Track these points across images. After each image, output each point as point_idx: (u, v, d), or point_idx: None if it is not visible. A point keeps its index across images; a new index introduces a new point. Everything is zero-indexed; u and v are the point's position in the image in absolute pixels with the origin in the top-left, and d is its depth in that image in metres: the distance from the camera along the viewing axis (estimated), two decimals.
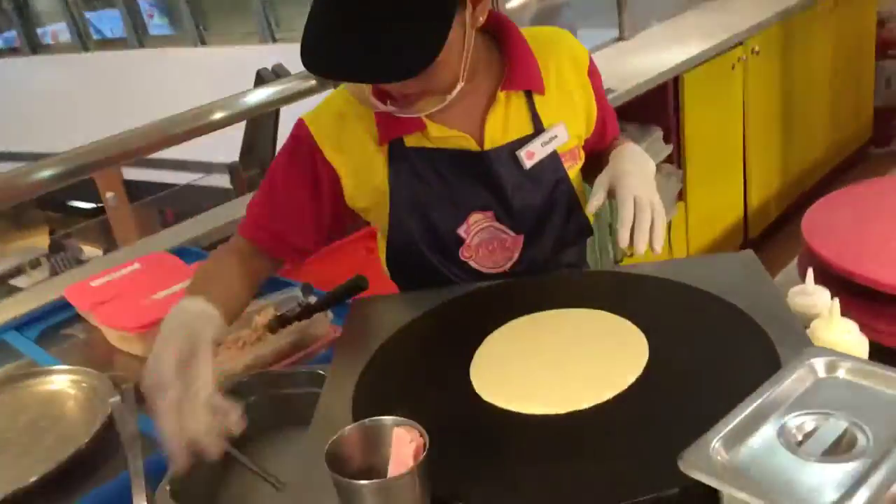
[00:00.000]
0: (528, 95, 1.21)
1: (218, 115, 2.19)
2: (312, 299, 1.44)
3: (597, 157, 1.30)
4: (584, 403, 0.78)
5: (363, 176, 1.21)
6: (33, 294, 1.82)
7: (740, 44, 3.22)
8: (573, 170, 1.26)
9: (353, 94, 1.20)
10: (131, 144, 2.07)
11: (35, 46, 10.45)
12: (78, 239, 8.51)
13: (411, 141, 1.18)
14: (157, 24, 10.20)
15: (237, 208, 2.15)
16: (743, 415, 0.63)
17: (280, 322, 1.40)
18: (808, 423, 0.64)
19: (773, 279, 1.10)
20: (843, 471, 0.59)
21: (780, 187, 3.66)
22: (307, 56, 1.02)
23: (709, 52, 3.05)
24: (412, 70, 0.97)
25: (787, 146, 3.67)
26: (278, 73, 2.32)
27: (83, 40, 10.03)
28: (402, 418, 0.64)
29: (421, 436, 0.62)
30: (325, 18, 1.01)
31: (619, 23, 3.40)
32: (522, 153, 1.20)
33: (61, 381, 1.36)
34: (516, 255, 1.24)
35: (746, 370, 0.77)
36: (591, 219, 1.27)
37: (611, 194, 1.14)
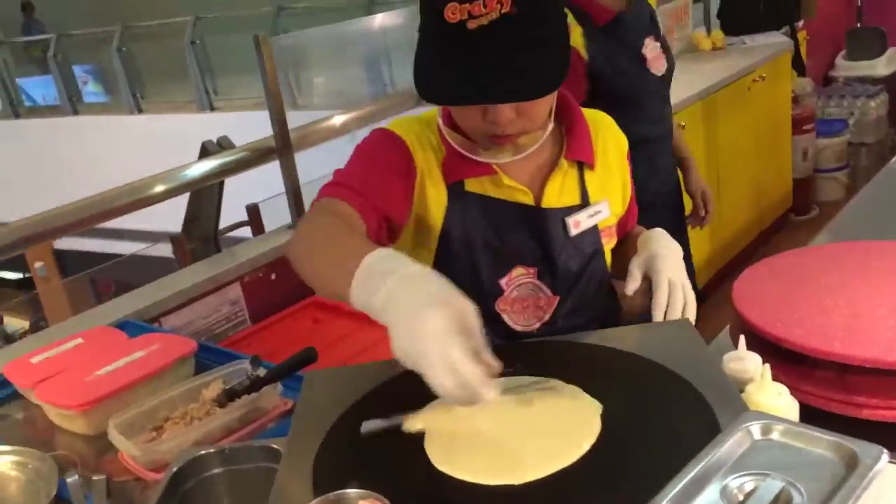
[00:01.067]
0: (580, 167, 1.29)
1: (160, 188, 2.17)
2: (262, 371, 1.44)
3: (621, 242, 1.38)
4: (539, 472, 0.81)
5: (424, 199, 1.24)
6: None
7: None
8: (608, 246, 1.33)
9: (454, 126, 1.23)
10: (68, 219, 2.01)
11: None
12: (3, 310, 8.19)
13: (472, 186, 1.24)
14: (91, 91, 10.13)
15: (183, 279, 2.14)
16: (687, 478, 0.68)
17: (229, 396, 1.39)
18: (748, 483, 0.68)
19: (708, 345, 1.16)
20: None
21: (709, 254, 3.81)
22: (437, 90, 1.11)
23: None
24: (547, 89, 1.10)
25: (715, 215, 3.84)
26: (223, 145, 2.35)
27: (14, 107, 9.87)
28: (366, 490, 0.66)
29: None
30: (450, 54, 1.08)
31: None
32: (570, 220, 1.26)
33: (2, 463, 1.31)
34: (547, 317, 1.29)
35: (691, 435, 0.81)
36: (625, 300, 1.34)
37: (645, 277, 1.22)
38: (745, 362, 1.06)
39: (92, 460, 1.39)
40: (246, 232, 2.61)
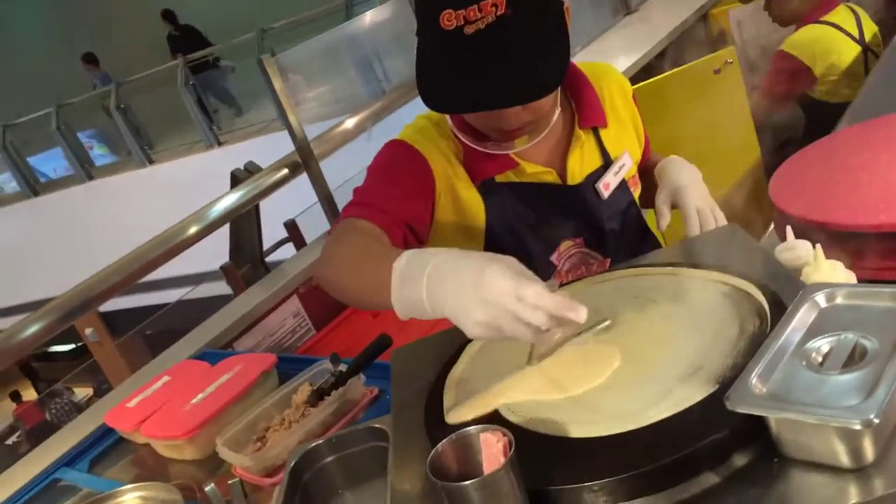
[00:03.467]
0: (595, 130, 1.32)
1: (194, 229, 2.19)
2: (343, 367, 1.52)
3: (642, 176, 1.40)
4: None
5: (453, 203, 1.26)
6: (71, 430, 1.88)
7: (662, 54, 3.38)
8: (636, 193, 1.37)
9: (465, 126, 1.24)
10: (112, 280, 2.03)
11: None
12: (65, 382, 8.39)
13: (501, 177, 1.27)
14: (98, 153, 10.30)
15: (243, 304, 2.23)
16: (770, 351, 0.74)
17: (318, 395, 1.47)
18: (824, 345, 0.74)
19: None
20: (861, 377, 0.69)
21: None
22: (442, 99, 1.10)
23: (638, 63, 3.22)
24: (551, 86, 1.09)
25: None
26: (250, 170, 2.43)
27: (31, 186, 10.06)
28: (486, 424, 0.73)
29: (505, 435, 0.71)
30: (450, 61, 1.08)
31: None
32: (600, 185, 1.29)
33: (130, 500, 1.41)
34: None
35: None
36: (661, 236, 1.38)
37: (673, 207, 1.25)
38: (797, 250, 1.10)
39: (206, 481, 1.47)
40: (289, 249, 2.69)
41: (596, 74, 1.36)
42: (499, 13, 1.03)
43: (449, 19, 1.04)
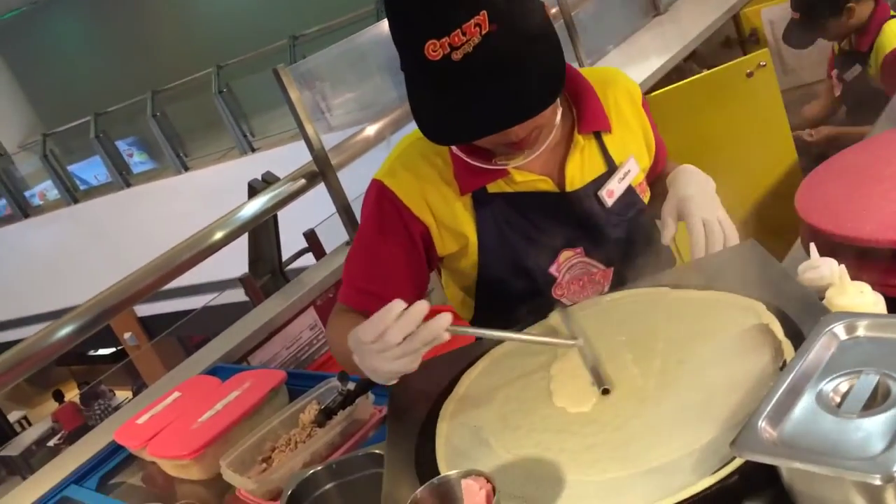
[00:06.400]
0: (597, 135, 1.27)
1: (219, 235, 2.20)
2: (351, 386, 1.48)
3: (654, 184, 1.36)
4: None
5: (449, 225, 1.25)
6: (82, 446, 1.86)
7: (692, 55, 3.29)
8: (646, 200, 1.32)
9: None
10: (141, 283, 2.07)
11: (26, 210, 10.70)
12: (107, 385, 8.57)
13: (493, 187, 1.23)
14: (137, 161, 10.46)
15: (260, 316, 2.20)
16: (780, 391, 0.67)
17: (326, 415, 1.43)
18: (842, 384, 0.67)
19: (782, 262, 1.14)
20: (884, 420, 0.62)
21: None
22: (445, 132, 1.08)
23: (667, 65, 3.14)
24: (551, 97, 1.05)
25: None
26: (267, 180, 2.40)
27: (71, 193, 10.24)
28: (468, 469, 0.68)
29: (489, 482, 0.66)
30: (445, 92, 1.04)
31: (576, 54, 3.50)
32: (603, 193, 1.24)
33: None
34: (607, 288, 1.29)
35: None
36: (671, 247, 1.32)
37: (679, 218, 1.18)
38: (821, 269, 1.03)
39: (214, 501, 1.44)
40: (309, 258, 2.67)
41: (601, 79, 1.31)
42: (483, 32, 0.98)
43: (434, 49, 0.99)
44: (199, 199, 7.80)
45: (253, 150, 8.63)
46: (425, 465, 0.83)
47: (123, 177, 9.82)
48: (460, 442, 0.85)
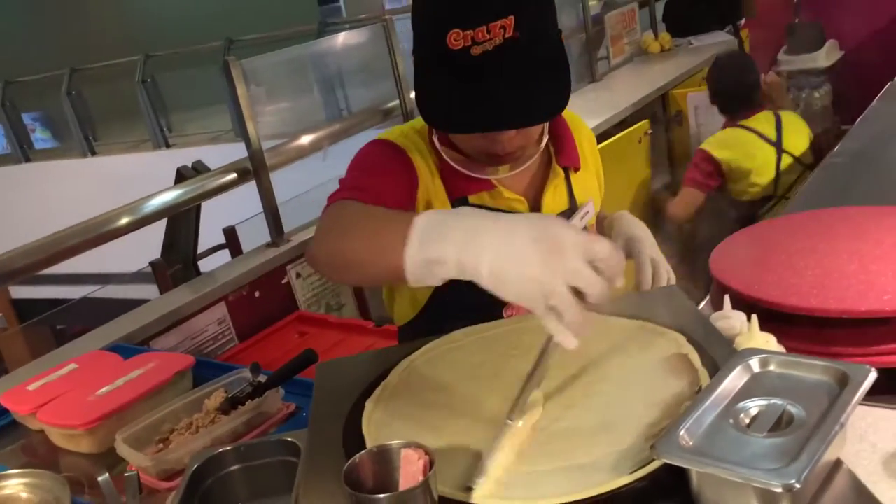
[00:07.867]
0: (566, 172, 1.32)
1: (125, 220, 2.11)
2: (262, 378, 1.47)
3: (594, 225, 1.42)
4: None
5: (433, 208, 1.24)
6: None
7: (624, 122, 3.51)
8: None
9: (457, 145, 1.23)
10: (20, 262, 1.90)
11: None
12: None
13: (475, 199, 1.25)
14: (39, 137, 10.00)
15: (168, 302, 2.16)
16: (699, 408, 0.74)
17: (232, 403, 1.42)
18: (753, 408, 0.75)
19: None
20: (786, 442, 0.69)
21: None
22: (447, 119, 1.11)
23: (599, 128, 3.29)
24: (556, 110, 1.10)
25: None
26: (198, 169, 2.38)
27: None
28: (409, 441, 0.70)
29: (427, 454, 0.69)
30: (455, 81, 1.07)
31: None
32: None
33: (13, 486, 1.32)
34: None
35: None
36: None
37: (627, 257, 1.26)
38: (732, 320, 1.12)
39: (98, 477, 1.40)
40: (225, 255, 2.63)
41: (572, 121, 1.38)
42: (507, 35, 1.03)
43: (456, 39, 1.03)
44: (101, 185, 7.52)
45: (168, 146, 8.41)
46: (352, 443, 0.85)
47: (24, 150, 9.38)
48: (390, 431, 0.87)
